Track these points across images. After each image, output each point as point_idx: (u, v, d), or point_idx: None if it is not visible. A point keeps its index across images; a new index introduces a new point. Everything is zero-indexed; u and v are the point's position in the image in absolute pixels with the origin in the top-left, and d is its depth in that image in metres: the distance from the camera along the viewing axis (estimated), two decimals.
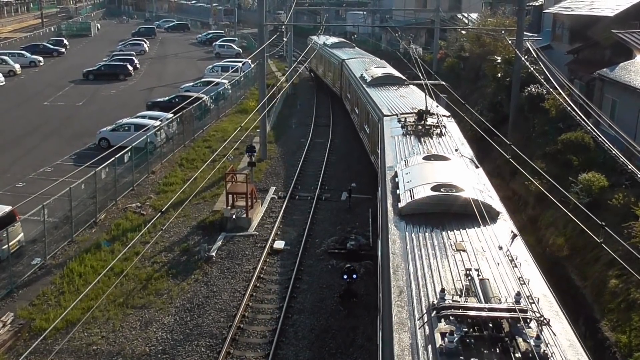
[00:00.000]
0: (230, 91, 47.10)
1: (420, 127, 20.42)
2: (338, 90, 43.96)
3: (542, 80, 25.96)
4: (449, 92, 25.12)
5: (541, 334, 8.49)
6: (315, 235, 24.06)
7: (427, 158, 16.47)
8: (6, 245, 20.19)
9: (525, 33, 31.08)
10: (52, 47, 75.36)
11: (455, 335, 8.44)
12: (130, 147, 27.81)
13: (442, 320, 8.95)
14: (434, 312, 9.22)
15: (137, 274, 20.75)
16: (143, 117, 37.90)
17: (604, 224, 12.64)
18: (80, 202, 24.21)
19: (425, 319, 9.32)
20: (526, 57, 29.95)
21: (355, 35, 77.13)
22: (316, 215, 25.98)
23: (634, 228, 17.64)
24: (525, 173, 19.71)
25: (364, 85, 32.01)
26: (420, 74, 26.54)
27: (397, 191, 14.51)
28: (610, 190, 20.26)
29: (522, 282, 10.08)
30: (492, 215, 12.77)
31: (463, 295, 9.66)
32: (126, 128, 34.89)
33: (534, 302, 9.25)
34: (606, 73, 26.15)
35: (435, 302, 9.44)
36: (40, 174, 30.14)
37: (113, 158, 25.96)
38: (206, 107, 40.77)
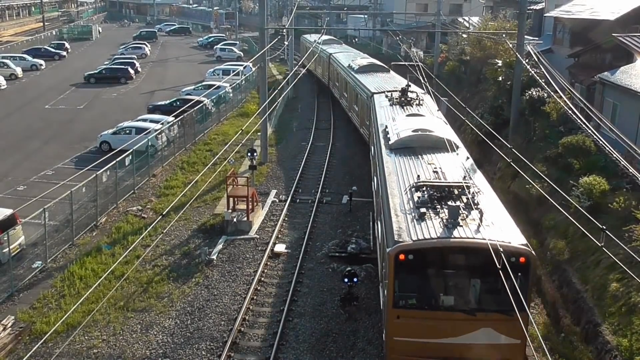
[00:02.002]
0: (231, 94, 47.14)
1: (403, 99, 26.53)
2: (326, 80, 50.00)
3: (543, 84, 25.97)
4: (420, 71, 28.48)
5: (476, 195, 14.89)
6: (316, 238, 24.04)
7: (409, 115, 23.05)
8: (7, 249, 20.17)
9: (526, 37, 31.11)
10: (53, 50, 75.54)
11: (426, 193, 14.97)
12: (131, 150, 27.81)
13: (418, 190, 15.27)
14: (413, 187, 15.59)
15: (138, 277, 20.74)
16: (144, 120, 37.94)
17: (604, 227, 12.65)
18: (81, 205, 24.22)
19: (408, 190, 15.65)
20: (527, 60, 29.97)
21: (357, 39, 77.17)
22: (317, 218, 25.96)
23: (635, 232, 17.63)
24: (526, 176, 19.73)
25: (352, 73, 37.66)
26: (420, 77, 27.00)
27: (388, 135, 20.62)
28: (611, 193, 20.25)
29: (470, 177, 16.08)
30: (453, 148, 18.84)
31: (431, 179, 15.95)
32: (127, 131, 34.93)
33: (474, 183, 15.60)
34: (607, 77, 26.17)
35: (414, 183, 15.82)
36: (41, 177, 30.18)
37: (114, 161, 25.97)
38: (207, 111, 40.80)
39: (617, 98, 25.30)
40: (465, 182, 15.20)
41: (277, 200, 27.88)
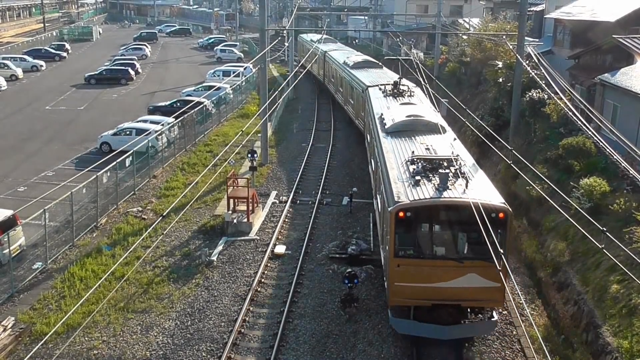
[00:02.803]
0: (231, 96, 47.14)
1: (396, 91, 29.20)
2: (321, 77, 52.26)
3: (544, 85, 25.97)
4: (416, 66, 29.27)
5: (462, 166, 17.07)
6: (316, 239, 24.02)
7: (402, 104, 25.97)
8: (7, 250, 20.17)
9: (526, 38, 31.11)
10: (54, 51, 75.51)
11: (419, 165, 17.44)
12: (131, 151, 27.81)
13: (413, 163, 17.68)
14: (409, 161, 18.00)
15: (138, 279, 20.74)
16: (144, 121, 37.93)
17: (605, 229, 12.66)
18: (81, 206, 24.21)
19: (404, 163, 18.02)
20: (527, 62, 29.97)
21: (357, 40, 77.17)
22: (317, 219, 25.95)
23: (636, 233, 17.63)
24: (526, 178, 19.72)
25: (347, 69, 39.80)
26: (421, 79, 27.06)
27: (384, 121, 23.12)
28: (612, 195, 20.25)
29: (456, 153, 18.08)
30: (442, 130, 21.14)
31: (424, 154, 18.38)
32: (128, 132, 34.92)
33: (460, 157, 17.75)
34: (607, 78, 26.17)
35: (409, 157, 18.24)
36: (42, 178, 30.18)
37: (114, 162, 25.98)
38: (207, 112, 40.80)
39: (617, 99, 25.31)
40: (453, 156, 17.59)
41: (278, 202, 27.86)
